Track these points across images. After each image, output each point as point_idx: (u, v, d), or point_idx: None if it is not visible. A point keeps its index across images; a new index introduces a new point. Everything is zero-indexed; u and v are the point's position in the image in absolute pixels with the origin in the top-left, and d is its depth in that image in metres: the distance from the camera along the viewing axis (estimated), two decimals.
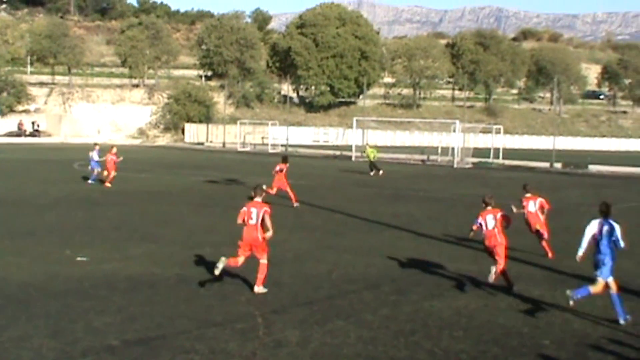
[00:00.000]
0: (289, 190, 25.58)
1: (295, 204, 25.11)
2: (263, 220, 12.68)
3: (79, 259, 15.16)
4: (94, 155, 32.08)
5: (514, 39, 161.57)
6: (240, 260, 12.86)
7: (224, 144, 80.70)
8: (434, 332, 10.71)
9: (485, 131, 76.44)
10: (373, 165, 42.63)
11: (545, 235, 16.84)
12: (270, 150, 71.35)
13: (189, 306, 11.71)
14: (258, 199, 12.99)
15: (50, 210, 23.01)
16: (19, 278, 13.27)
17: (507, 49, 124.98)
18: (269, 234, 12.84)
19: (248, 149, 74.60)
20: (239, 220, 12.87)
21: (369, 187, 35.57)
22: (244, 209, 12.83)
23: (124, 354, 9.36)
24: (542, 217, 16.84)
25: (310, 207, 25.76)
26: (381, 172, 42.02)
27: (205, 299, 12.21)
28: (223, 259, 12.61)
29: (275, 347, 9.78)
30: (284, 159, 26.51)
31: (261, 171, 43.26)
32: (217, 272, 12.60)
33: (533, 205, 16.81)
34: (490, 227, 13.20)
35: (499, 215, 13.26)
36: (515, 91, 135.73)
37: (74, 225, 19.93)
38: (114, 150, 31.84)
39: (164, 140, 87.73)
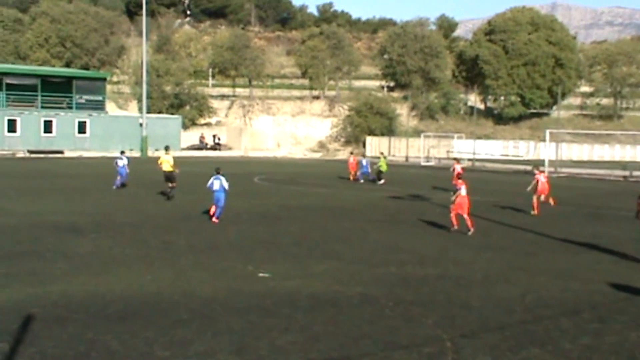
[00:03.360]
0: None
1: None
2: None
3: (261, 274, 15.67)
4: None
5: None
6: None
7: (406, 157, 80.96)
8: None
9: None
10: (380, 174, 45.53)
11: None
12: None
13: (373, 327, 11.81)
14: None
15: (232, 225, 23.89)
16: (203, 293, 13.89)
17: None
18: None
19: (432, 163, 74.41)
20: None
21: (564, 204, 34.52)
22: None
23: None
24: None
25: (500, 226, 25.36)
26: (382, 181, 44.86)
27: (390, 320, 12.28)
28: None
29: None
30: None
31: (447, 186, 43.03)
32: None
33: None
34: None
35: None
36: None
37: (255, 241, 20.61)
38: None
39: (345, 153, 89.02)
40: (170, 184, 31.53)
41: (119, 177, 36.12)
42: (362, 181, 45.57)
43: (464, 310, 12.95)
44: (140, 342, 10.67)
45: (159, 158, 32.99)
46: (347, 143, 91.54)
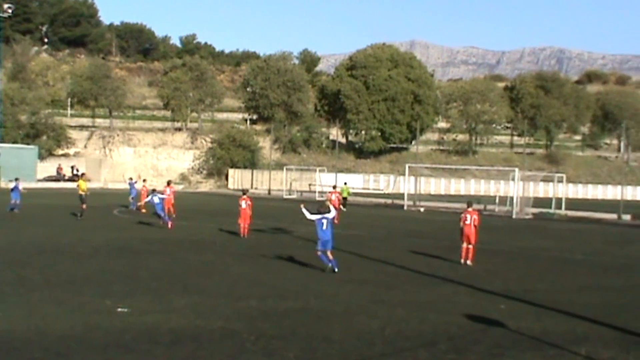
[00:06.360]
0: None
1: None
2: None
3: (119, 309, 15.30)
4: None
5: (578, 82, 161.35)
6: None
7: (269, 190, 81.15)
8: None
9: (547, 180, 75.76)
10: (344, 201, 51.45)
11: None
12: (318, 198, 71.54)
13: None
14: None
15: (90, 259, 23.30)
16: (57, 329, 13.42)
17: (570, 92, 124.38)
18: None
19: (294, 196, 74.91)
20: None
21: (423, 237, 35.42)
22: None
23: None
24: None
25: (361, 259, 25.72)
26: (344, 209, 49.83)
27: (251, 354, 12.20)
28: None
29: None
30: None
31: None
32: None
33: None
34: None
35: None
36: (578, 137, 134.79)
37: (114, 275, 20.14)
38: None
39: (207, 186, 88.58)
40: (83, 205, 39.21)
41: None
42: (134, 208, 45.84)
43: (324, 344, 13.02)
44: None
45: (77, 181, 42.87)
46: (209, 175, 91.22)
